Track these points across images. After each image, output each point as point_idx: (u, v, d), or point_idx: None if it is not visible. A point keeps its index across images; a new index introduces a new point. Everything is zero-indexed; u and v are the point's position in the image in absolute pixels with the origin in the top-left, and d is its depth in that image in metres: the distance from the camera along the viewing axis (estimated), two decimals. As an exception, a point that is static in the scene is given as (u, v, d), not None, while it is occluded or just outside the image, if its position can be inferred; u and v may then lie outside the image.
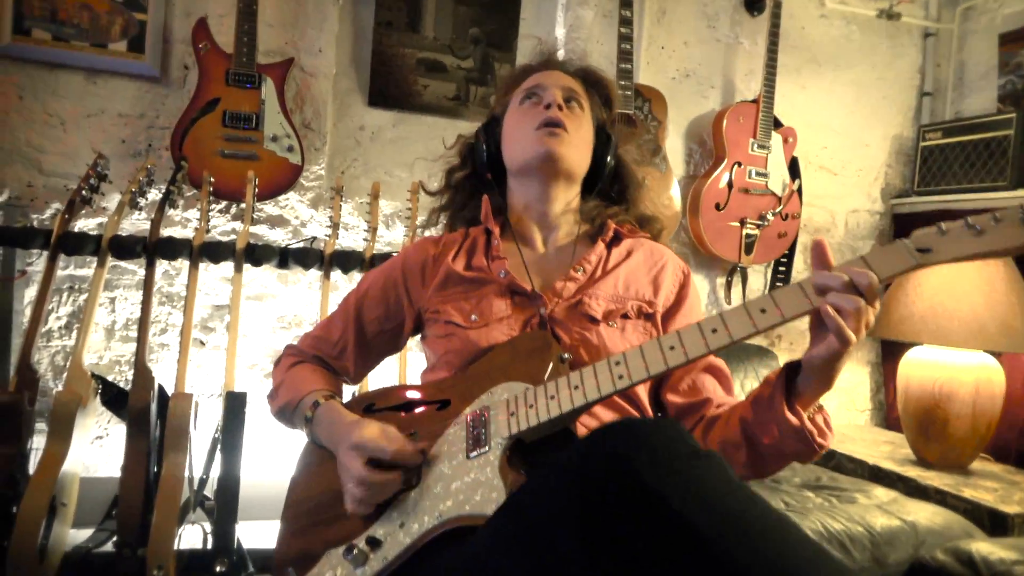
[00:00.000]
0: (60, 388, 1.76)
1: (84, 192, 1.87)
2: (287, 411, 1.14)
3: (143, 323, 1.84)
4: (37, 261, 2.08)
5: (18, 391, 1.66)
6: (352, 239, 2.39)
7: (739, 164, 2.64)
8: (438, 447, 0.96)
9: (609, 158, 1.22)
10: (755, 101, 2.65)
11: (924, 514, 1.84)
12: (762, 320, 0.85)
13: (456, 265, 1.16)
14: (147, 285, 1.87)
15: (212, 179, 2.01)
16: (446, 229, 1.31)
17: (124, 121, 2.17)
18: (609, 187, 1.25)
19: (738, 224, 2.65)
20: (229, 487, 1.70)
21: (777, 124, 2.70)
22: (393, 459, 0.93)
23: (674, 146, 2.73)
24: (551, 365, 0.98)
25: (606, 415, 1.04)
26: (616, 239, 1.19)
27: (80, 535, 1.80)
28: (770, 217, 2.67)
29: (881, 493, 1.99)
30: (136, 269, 2.20)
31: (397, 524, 0.91)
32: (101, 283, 1.85)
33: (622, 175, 1.25)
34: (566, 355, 1.01)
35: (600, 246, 1.17)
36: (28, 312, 2.05)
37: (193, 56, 2.12)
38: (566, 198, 1.19)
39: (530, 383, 0.96)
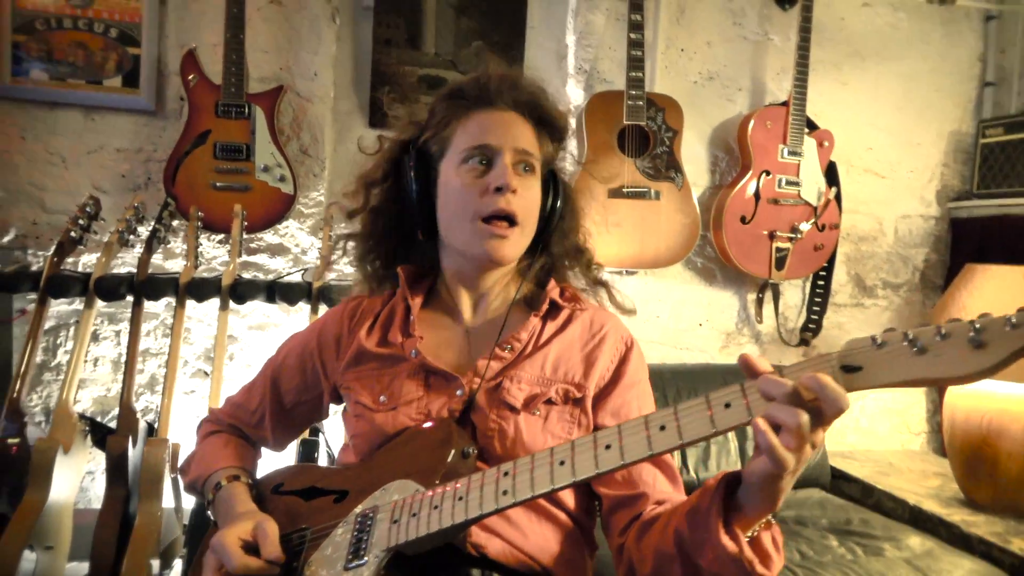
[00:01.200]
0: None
1: (73, 233, 1.90)
2: (196, 486, 1.11)
3: (129, 364, 1.86)
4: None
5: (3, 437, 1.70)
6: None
7: (767, 173, 2.47)
8: (322, 550, 0.90)
9: (559, 205, 1.12)
10: (785, 103, 2.47)
11: (959, 573, 1.67)
12: (660, 441, 0.73)
13: (369, 341, 1.08)
14: (133, 324, 1.89)
15: (201, 214, 2.01)
16: (358, 265, 1.16)
17: (123, 156, 2.21)
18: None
19: (767, 237, 2.48)
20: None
21: (811, 127, 2.52)
22: (236, 572, 0.88)
23: (697, 155, 2.58)
24: (448, 461, 0.90)
25: (520, 517, 0.95)
26: (553, 309, 1.09)
27: (83, 567, 1.84)
28: (804, 229, 2.49)
29: (916, 543, 1.82)
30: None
31: None
32: (89, 324, 1.88)
33: (565, 215, 1.14)
34: (470, 449, 0.93)
35: (534, 320, 1.07)
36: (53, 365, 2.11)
37: (186, 88, 2.13)
38: (504, 270, 1.10)
39: (423, 483, 0.89)
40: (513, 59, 2.47)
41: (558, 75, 2.52)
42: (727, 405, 0.71)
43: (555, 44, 2.55)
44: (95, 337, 2.24)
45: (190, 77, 2.10)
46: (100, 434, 1.88)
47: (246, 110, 2.11)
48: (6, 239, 2.16)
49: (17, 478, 1.67)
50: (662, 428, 0.73)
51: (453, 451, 0.92)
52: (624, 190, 2.32)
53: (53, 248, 1.88)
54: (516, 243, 1.04)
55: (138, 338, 1.89)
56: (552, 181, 1.11)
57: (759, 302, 2.61)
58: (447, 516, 0.82)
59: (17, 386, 1.77)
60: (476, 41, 2.46)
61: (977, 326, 0.61)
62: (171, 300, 2.22)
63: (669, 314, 2.62)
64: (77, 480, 1.89)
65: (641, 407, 1.05)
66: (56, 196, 2.17)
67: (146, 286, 1.89)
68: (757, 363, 0.72)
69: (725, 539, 0.76)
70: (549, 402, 1.00)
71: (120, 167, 2.21)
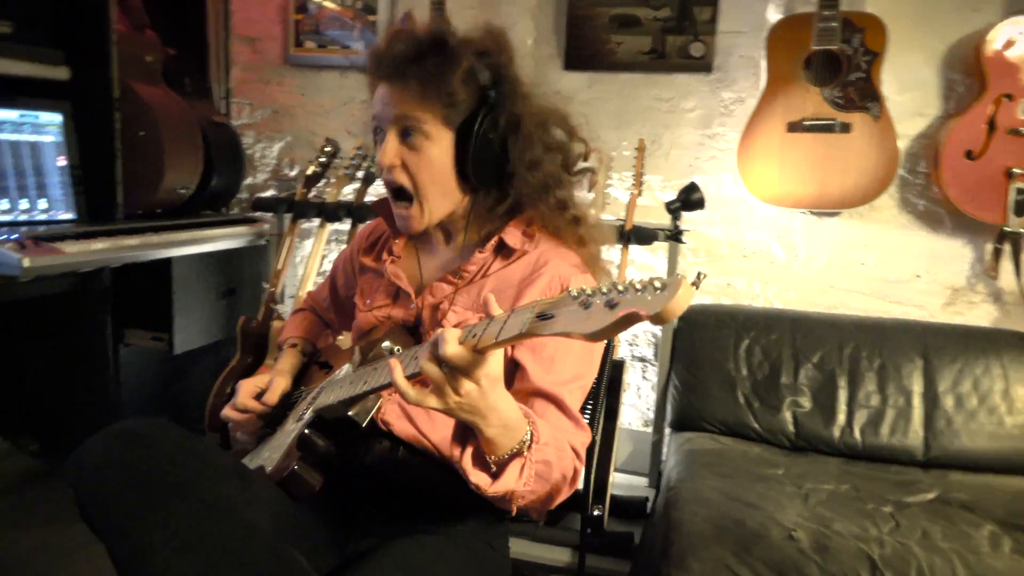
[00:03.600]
0: (289, 317, 2.51)
1: (316, 168, 2.54)
2: (278, 347, 1.51)
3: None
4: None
5: (262, 322, 2.42)
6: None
7: (1009, 97, 2.10)
8: (301, 405, 1.23)
9: (480, 148, 1.13)
10: (1045, 8, 2.06)
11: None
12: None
13: (366, 257, 1.35)
14: (350, 241, 2.47)
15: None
16: None
17: (365, 106, 2.80)
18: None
19: (1004, 176, 2.12)
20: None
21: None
22: (237, 407, 1.25)
23: (923, 79, 2.29)
24: (371, 355, 1.11)
25: None
26: (503, 246, 1.19)
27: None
28: (1058, 166, 2.07)
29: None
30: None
31: (259, 456, 1.21)
32: (322, 240, 2.52)
33: (514, 154, 1.16)
34: (396, 349, 1.06)
35: (479, 256, 1.19)
36: (301, 265, 2.85)
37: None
38: (450, 217, 1.21)
39: (355, 368, 1.15)
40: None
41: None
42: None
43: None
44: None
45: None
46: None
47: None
48: (293, 173, 2.94)
49: (262, 347, 2.39)
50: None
51: (384, 344, 1.10)
52: (805, 123, 2.21)
53: (302, 181, 2.55)
54: (421, 215, 1.17)
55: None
56: (481, 121, 1.12)
57: (995, 253, 2.24)
58: (344, 391, 1.06)
59: (276, 281, 2.48)
60: (670, -27, 2.50)
61: (607, 288, 0.65)
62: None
63: (876, 262, 2.41)
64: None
65: (559, 349, 1.11)
66: (322, 142, 2.86)
67: (359, 211, 2.47)
68: (491, 306, 0.86)
69: (453, 448, 0.97)
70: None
71: (364, 116, 2.81)
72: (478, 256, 1.19)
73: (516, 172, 1.17)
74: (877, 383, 2.17)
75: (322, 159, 2.55)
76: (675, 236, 2.23)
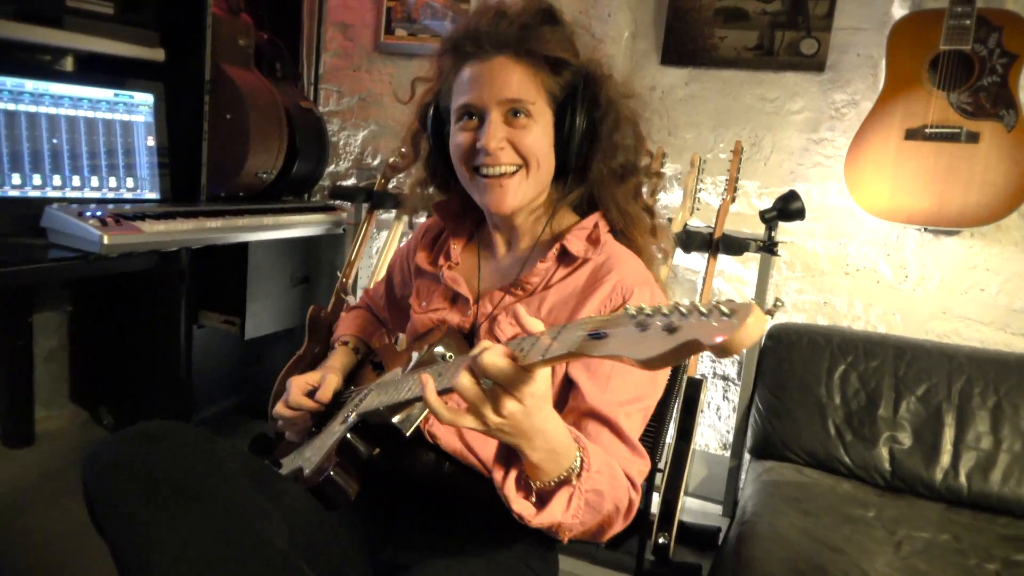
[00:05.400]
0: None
1: (398, 159, 2.56)
2: (332, 345, 1.52)
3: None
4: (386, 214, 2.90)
5: (332, 311, 2.46)
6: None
7: None
8: (348, 405, 1.21)
9: (580, 127, 1.12)
10: None
11: None
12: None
13: (422, 259, 1.32)
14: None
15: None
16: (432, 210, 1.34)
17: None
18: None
19: None
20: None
21: None
22: (290, 404, 1.24)
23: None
24: (420, 358, 1.07)
25: None
26: (565, 254, 1.15)
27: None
28: None
29: None
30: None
31: (301, 456, 1.21)
32: (397, 232, 2.54)
33: (601, 134, 1.15)
34: (449, 355, 1.04)
35: (541, 266, 1.14)
36: (377, 256, 2.89)
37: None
38: (530, 208, 1.18)
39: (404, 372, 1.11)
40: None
41: (884, -3, 2.30)
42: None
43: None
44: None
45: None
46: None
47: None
48: (375, 162, 2.98)
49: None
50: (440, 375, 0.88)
51: (436, 349, 1.07)
52: (926, 130, 2.06)
53: (383, 170, 2.58)
54: (519, 188, 1.12)
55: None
56: (582, 100, 1.12)
57: None
58: (390, 396, 1.02)
59: (349, 271, 2.52)
60: (782, -37, 2.39)
61: (667, 310, 0.60)
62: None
63: (999, 288, 2.22)
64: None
65: (616, 367, 1.04)
66: (401, 131, 2.89)
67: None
68: (527, 322, 0.81)
69: (496, 471, 0.91)
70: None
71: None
72: (540, 267, 1.15)
73: (601, 153, 1.14)
74: (990, 424, 2.01)
75: (403, 149, 2.57)
76: (769, 247, 2.12)
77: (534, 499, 0.90)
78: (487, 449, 1.06)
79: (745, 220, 2.38)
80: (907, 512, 1.89)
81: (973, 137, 2.02)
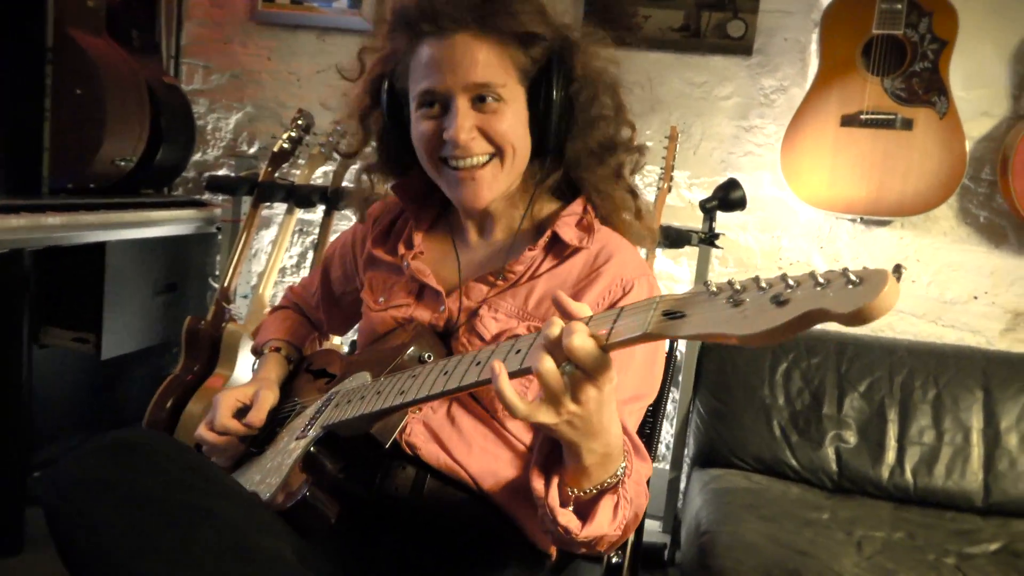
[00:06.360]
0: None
1: (286, 145, 2.26)
2: (254, 352, 1.31)
3: (314, 266, 2.19)
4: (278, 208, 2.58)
5: (212, 323, 2.13)
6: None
7: (1093, 98, 1.95)
8: (296, 420, 1.04)
9: (555, 105, 1.01)
10: None
11: None
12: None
13: (377, 248, 1.17)
14: (322, 233, 2.21)
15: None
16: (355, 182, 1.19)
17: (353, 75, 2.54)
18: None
19: (1083, 188, 1.98)
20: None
21: None
22: (217, 430, 1.06)
23: (992, 74, 2.14)
24: (402, 359, 0.97)
25: (473, 432, 0.99)
26: (557, 242, 1.05)
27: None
28: None
29: None
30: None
31: (249, 481, 1.01)
32: (289, 228, 2.24)
33: (577, 112, 1.04)
34: (427, 356, 0.98)
35: (529, 254, 1.04)
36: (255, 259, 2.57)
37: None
38: (502, 196, 1.07)
39: (378, 375, 0.97)
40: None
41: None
42: (517, 351, 0.76)
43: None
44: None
45: None
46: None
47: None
48: (252, 150, 2.65)
49: (212, 354, 2.11)
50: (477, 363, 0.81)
51: (410, 351, 0.99)
52: (862, 116, 2.04)
53: (268, 158, 2.27)
54: (494, 180, 1.02)
55: (325, 243, 2.20)
56: (557, 74, 1.01)
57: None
58: (370, 405, 0.90)
59: (231, 276, 2.19)
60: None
61: (766, 283, 0.59)
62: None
63: (931, 280, 2.26)
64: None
65: (619, 363, 0.96)
66: (292, 113, 2.58)
67: (335, 196, 2.20)
68: (571, 306, 0.74)
69: (536, 480, 0.86)
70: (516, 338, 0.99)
71: (343, 85, 2.55)
72: (527, 255, 1.05)
73: (578, 130, 1.05)
74: (932, 417, 2.04)
75: (293, 134, 2.27)
76: (710, 240, 2.02)
77: (572, 508, 0.85)
78: (476, 463, 0.98)
79: (676, 213, 2.29)
80: (859, 512, 1.89)
81: (908, 124, 2.02)
